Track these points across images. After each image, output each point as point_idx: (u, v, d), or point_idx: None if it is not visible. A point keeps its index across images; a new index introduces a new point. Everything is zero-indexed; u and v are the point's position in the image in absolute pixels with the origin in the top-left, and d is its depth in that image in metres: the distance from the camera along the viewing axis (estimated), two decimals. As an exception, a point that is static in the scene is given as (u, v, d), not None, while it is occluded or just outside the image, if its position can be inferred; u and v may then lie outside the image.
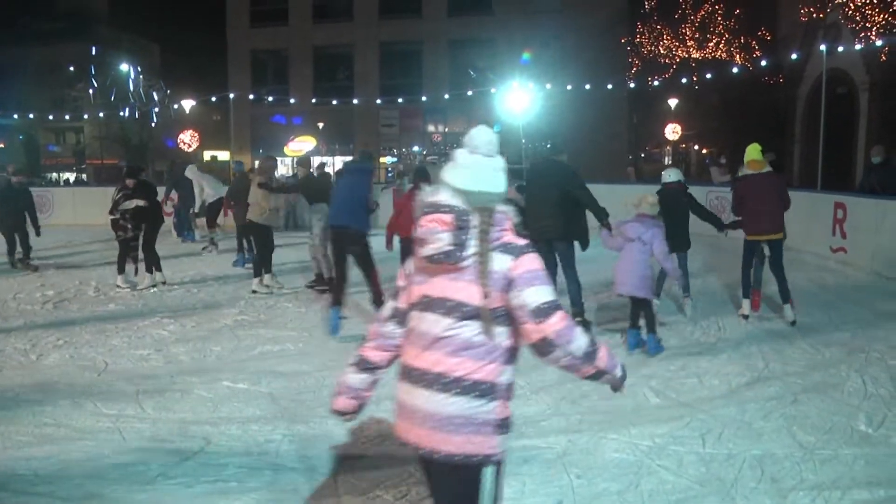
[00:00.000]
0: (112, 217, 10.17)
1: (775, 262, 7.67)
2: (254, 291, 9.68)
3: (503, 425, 2.43)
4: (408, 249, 9.23)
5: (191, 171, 14.82)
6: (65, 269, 12.15)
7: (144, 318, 8.41)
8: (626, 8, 31.64)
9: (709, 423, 4.89)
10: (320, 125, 34.58)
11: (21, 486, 4.06)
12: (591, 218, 7.52)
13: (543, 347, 2.45)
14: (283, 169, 34.25)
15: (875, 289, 9.67)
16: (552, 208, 7.46)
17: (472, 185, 2.37)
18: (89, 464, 4.37)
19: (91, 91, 34.39)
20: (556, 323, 2.37)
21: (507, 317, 2.39)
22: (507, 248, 2.35)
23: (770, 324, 7.72)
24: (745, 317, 7.86)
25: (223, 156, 45.06)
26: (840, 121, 22.49)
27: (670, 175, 8.50)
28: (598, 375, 2.60)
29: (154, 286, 10.19)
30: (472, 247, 2.32)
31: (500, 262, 2.32)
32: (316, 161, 34.93)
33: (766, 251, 7.85)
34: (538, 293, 2.34)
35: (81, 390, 5.75)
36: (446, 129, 35.64)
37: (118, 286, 10.14)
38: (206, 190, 14.14)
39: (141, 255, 10.35)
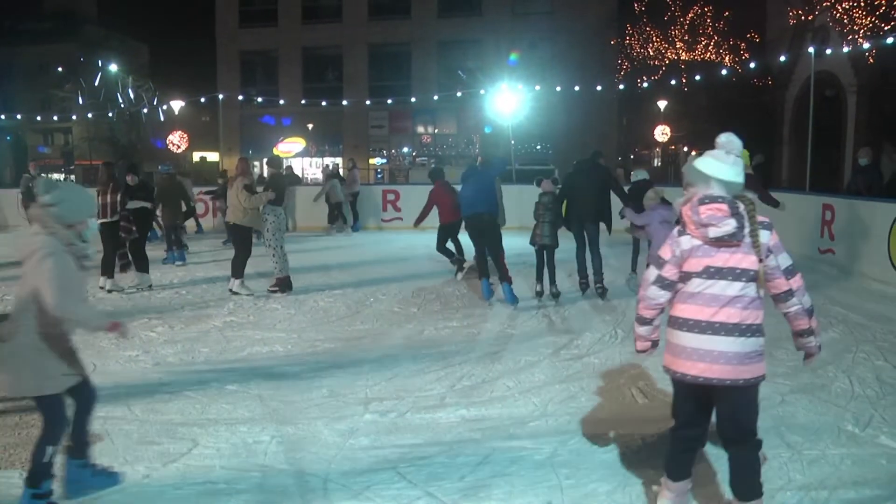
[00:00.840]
0: (111, 220, 9.96)
1: None
2: (232, 292, 9.66)
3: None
4: (448, 231, 11.16)
5: (186, 183, 14.54)
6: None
7: (133, 320, 8.36)
8: (616, 10, 31.75)
9: (697, 424, 4.90)
10: (310, 126, 34.55)
11: (7, 490, 4.03)
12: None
13: (786, 297, 3.31)
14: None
15: (862, 290, 9.73)
16: (591, 199, 9.31)
17: (734, 177, 3.24)
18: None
19: (79, 92, 34.18)
20: (798, 280, 3.31)
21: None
22: (765, 225, 3.24)
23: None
24: None
25: (212, 157, 44.95)
26: (828, 123, 22.62)
27: (638, 174, 10.17)
28: (808, 332, 3.39)
29: (140, 287, 10.14)
30: (747, 226, 3.17)
31: (764, 236, 3.21)
32: (305, 162, 35.07)
33: None
34: (787, 258, 3.30)
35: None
36: (436, 131, 35.67)
37: (104, 289, 10.02)
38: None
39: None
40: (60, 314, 3.57)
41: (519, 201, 16.10)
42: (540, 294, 9.28)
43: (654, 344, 3.59)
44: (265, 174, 11.35)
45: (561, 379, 5.98)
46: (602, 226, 9.48)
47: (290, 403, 5.44)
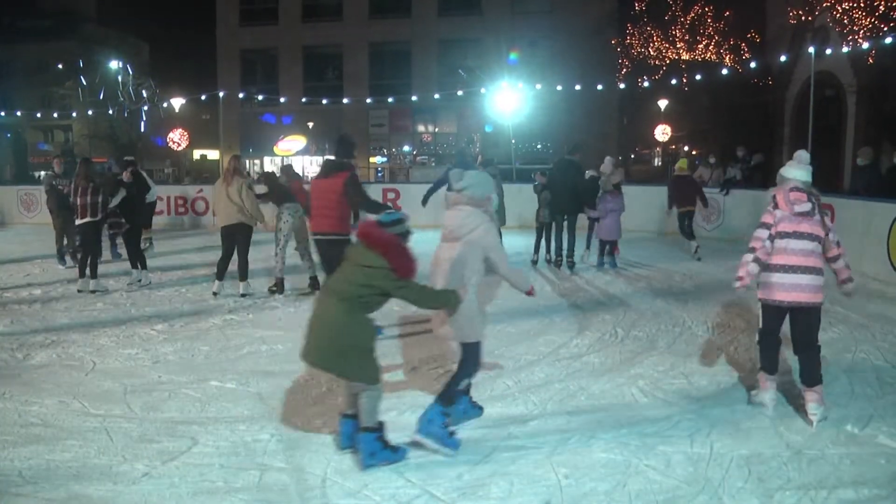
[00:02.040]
0: (91, 220, 9.79)
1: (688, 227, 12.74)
2: (243, 295, 9.50)
3: None
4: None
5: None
6: (52, 267, 12.06)
7: (132, 318, 8.37)
8: (616, 9, 31.71)
9: (697, 423, 4.91)
10: (310, 125, 34.53)
11: (5, 487, 4.03)
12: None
13: (836, 258, 5.17)
14: (273, 168, 34.24)
15: (862, 290, 9.70)
16: (566, 193, 11.08)
17: (807, 178, 5.11)
18: (75, 464, 4.34)
19: (79, 89, 34.16)
20: (843, 248, 5.19)
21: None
22: (824, 210, 5.09)
23: (758, 324, 7.74)
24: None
25: (213, 155, 44.92)
26: (828, 123, 22.62)
27: (588, 173, 11.73)
28: (849, 280, 5.29)
29: (140, 284, 10.13)
30: (816, 207, 4.98)
31: (826, 216, 5.05)
32: (306, 160, 35.04)
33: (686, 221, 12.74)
34: (836, 233, 5.11)
35: (68, 390, 5.72)
36: (436, 129, 35.66)
37: (88, 291, 9.78)
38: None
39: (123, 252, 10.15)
40: (505, 273, 4.68)
41: (519, 200, 16.11)
42: (535, 262, 11.91)
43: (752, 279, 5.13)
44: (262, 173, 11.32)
45: (560, 378, 5.98)
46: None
47: (289, 402, 5.44)
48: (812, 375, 4.96)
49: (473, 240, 4.56)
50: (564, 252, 11.35)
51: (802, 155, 5.22)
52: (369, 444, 4.24)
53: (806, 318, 4.98)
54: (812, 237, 4.94)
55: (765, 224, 5.03)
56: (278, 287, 9.72)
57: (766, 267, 5.03)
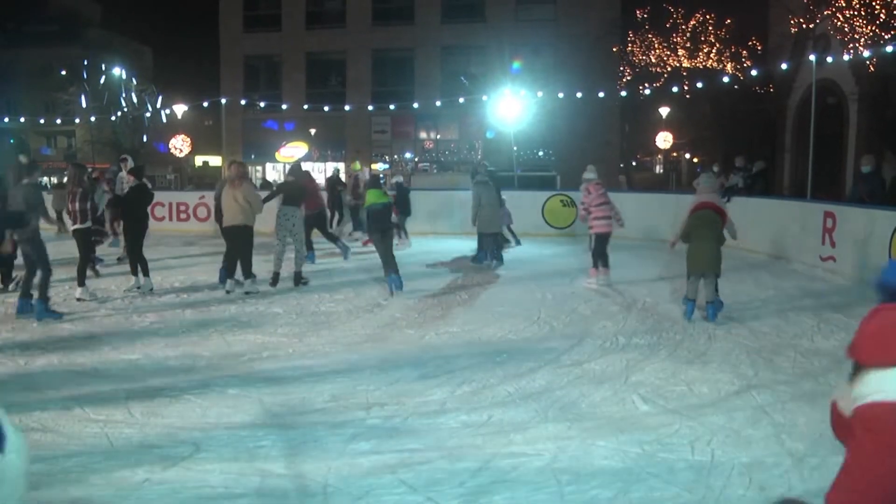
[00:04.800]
0: (82, 226, 9.67)
1: None
2: (246, 293, 9.96)
3: None
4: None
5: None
6: (53, 273, 12.02)
7: (134, 323, 8.38)
8: (618, 17, 31.78)
9: (698, 431, 4.90)
10: (312, 131, 34.57)
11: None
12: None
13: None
14: (275, 174, 34.30)
15: (863, 298, 9.69)
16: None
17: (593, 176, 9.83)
18: (76, 469, 4.34)
19: (83, 95, 34.26)
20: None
21: None
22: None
23: (760, 333, 7.75)
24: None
25: (215, 161, 44.98)
26: (829, 130, 22.63)
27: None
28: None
29: (143, 291, 10.14)
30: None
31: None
32: (308, 166, 35.04)
33: None
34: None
35: (70, 395, 5.72)
36: (438, 136, 35.69)
37: (80, 299, 9.62)
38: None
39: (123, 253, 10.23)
40: None
41: (520, 208, 16.12)
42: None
43: None
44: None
45: (562, 385, 5.97)
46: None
47: (290, 408, 5.44)
48: None
49: None
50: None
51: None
52: None
53: None
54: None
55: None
56: (274, 280, 10.59)
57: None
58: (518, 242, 15.06)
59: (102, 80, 33.27)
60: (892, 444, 2.43)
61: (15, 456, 2.42)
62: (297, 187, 11.31)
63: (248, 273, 10.08)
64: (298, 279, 10.67)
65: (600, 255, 10.72)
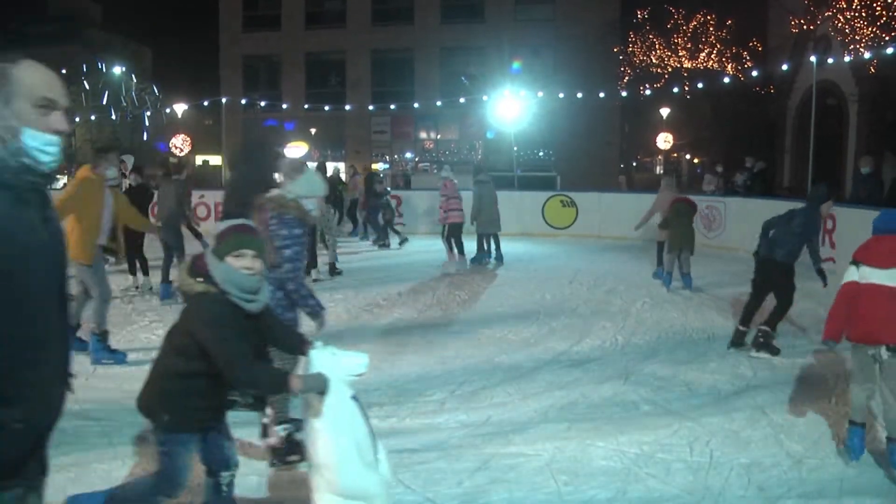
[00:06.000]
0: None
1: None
2: None
3: None
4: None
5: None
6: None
7: (134, 322, 8.38)
8: (619, 17, 31.78)
9: (696, 432, 4.90)
10: (312, 131, 34.57)
11: (5, 491, 4.02)
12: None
13: None
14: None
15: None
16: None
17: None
18: (75, 468, 4.34)
19: (83, 94, 34.27)
20: None
21: None
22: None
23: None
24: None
25: (215, 161, 44.98)
26: (829, 132, 22.64)
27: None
28: None
29: (137, 289, 10.15)
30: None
31: None
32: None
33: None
34: None
35: (68, 395, 5.69)
36: (438, 136, 35.69)
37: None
38: None
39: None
40: None
41: (520, 208, 16.13)
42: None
43: None
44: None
45: (561, 385, 5.98)
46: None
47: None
48: None
49: None
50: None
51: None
52: None
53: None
54: None
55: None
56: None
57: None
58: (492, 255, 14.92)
59: (102, 80, 33.28)
60: (861, 300, 4.36)
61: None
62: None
63: None
64: (333, 270, 11.45)
65: (457, 243, 12.29)
